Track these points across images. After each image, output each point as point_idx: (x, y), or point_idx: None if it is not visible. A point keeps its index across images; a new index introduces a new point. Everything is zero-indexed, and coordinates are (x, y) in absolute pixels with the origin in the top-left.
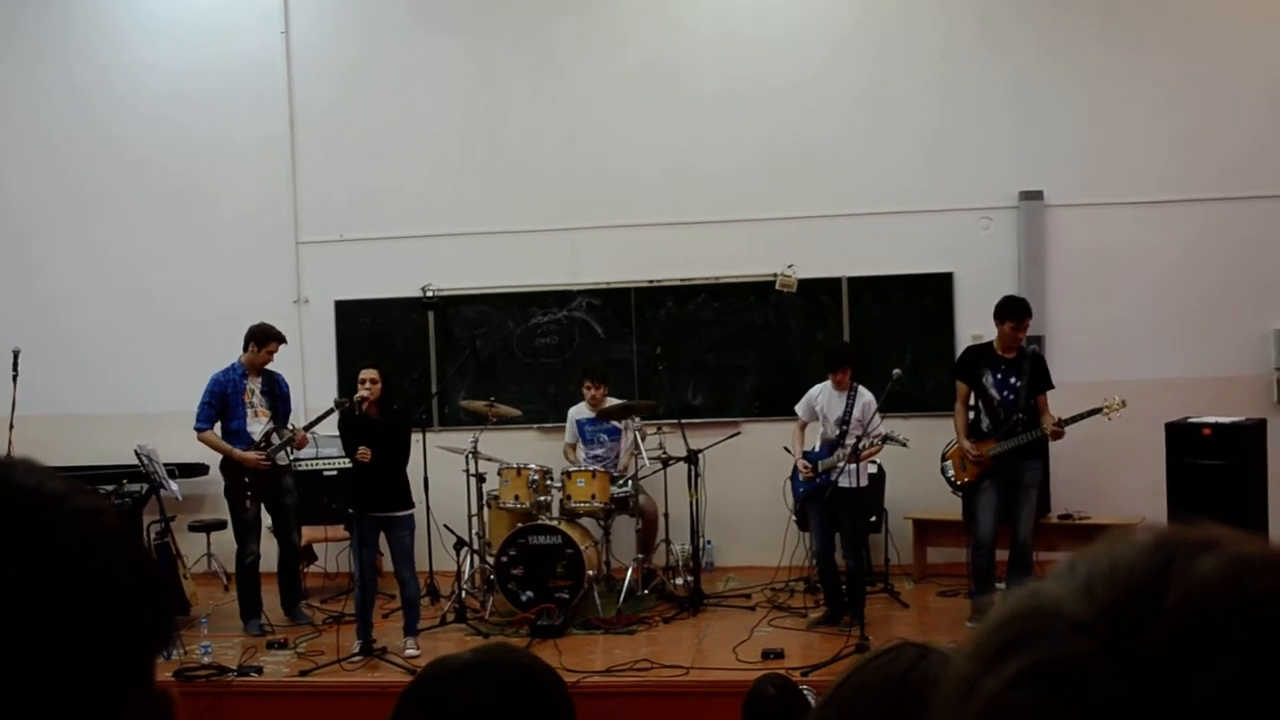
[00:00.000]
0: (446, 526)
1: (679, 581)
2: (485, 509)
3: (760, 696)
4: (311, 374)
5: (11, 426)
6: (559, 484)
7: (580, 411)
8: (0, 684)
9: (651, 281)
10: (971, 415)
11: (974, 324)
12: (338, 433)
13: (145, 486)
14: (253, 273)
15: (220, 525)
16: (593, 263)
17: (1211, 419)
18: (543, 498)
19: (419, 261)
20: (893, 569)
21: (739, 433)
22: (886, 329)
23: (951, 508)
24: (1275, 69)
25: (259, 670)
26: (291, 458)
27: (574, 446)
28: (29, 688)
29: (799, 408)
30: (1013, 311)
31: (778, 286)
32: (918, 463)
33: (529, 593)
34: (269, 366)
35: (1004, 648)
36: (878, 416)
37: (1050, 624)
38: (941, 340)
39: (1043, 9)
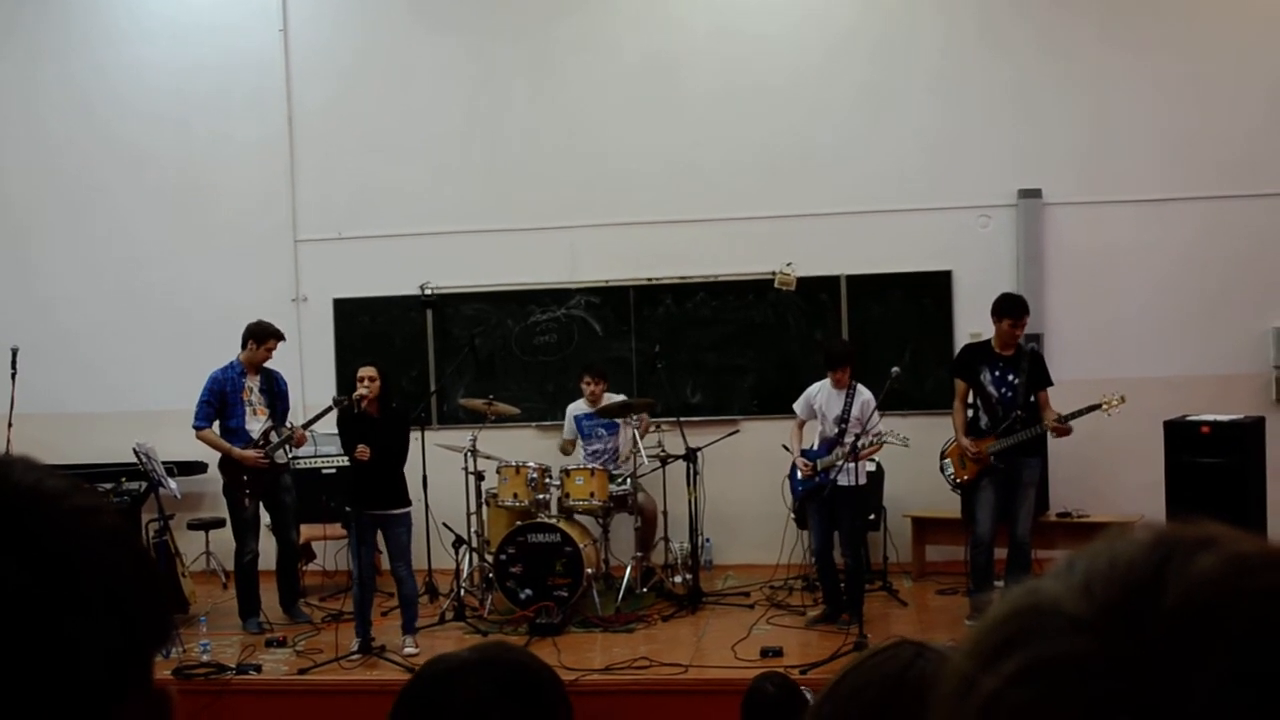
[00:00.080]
0: (445, 525)
1: (678, 579)
2: (484, 507)
3: (759, 694)
4: (310, 372)
5: (10, 425)
6: (558, 482)
7: (579, 407)
8: None
9: (650, 280)
10: (970, 413)
11: (973, 322)
12: (336, 431)
13: (144, 484)
14: (252, 271)
15: (219, 523)
16: (591, 261)
17: (1210, 417)
18: (541, 496)
19: (418, 260)
20: (891, 567)
21: (738, 431)
22: (885, 327)
23: (950, 506)
24: (1274, 69)
25: (258, 668)
26: (290, 456)
27: (571, 443)
28: (27, 686)
29: (797, 406)
30: (1010, 309)
31: (776, 285)
32: (916, 461)
33: (528, 591)
34: (267, 364)
35: (1003, 646)
36: (877, 415)
37: (1049, 622)
38: (940, 338)
39: (1043, 9)
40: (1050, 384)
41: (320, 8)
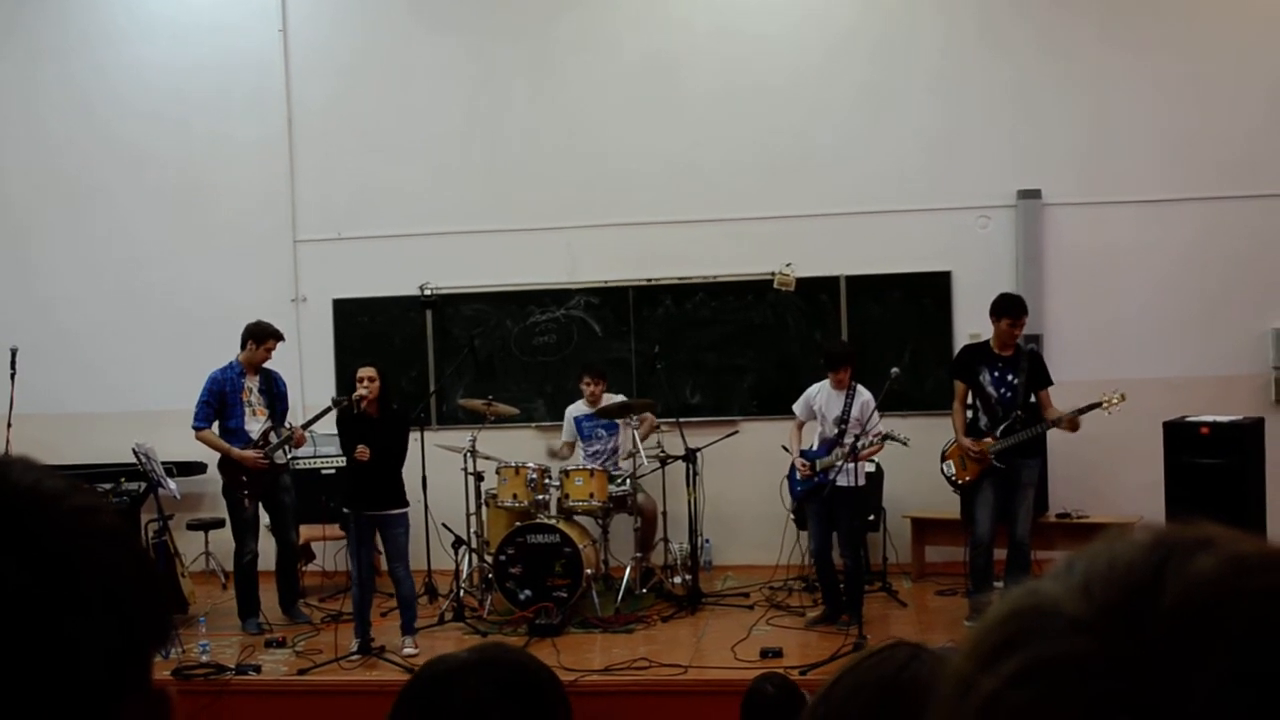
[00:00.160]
0: (445, 525)
1: (677, 580)
2: (483, 508)
3: (759, 695)
4: (309, 372)
5: (10, 425)
6: (557, 483)
7: (578, 409)
8: None
9: (650, 280)
10: (970, 414)
11: (972, 323)
12: (336, 431)
13: (143, 485)
14: (251, 271)
15: (218, 524)
16: (591, 261)
17: (1210, 418)
18: (541, 496)
19: (417, 260)
20: (891, 568)
21: (737, 431)
22: (885, 328)
23: (949, 507)
24: (1274, 69)
25: (257, 669)
26: (289, 456)
27: (571, 445)
28: (26, 686)
29: (797, 407)
30: (1009, 309)
31: (776, 285)
32: (916, 461)
33: (527, 591)
34: (267, 365)
35: (1002, 646)
36: (876, 415)
37: (1048, 622)
38: (940, 339)
39: (1043, 9)
40: (1050, 383)
41: (320, 7)
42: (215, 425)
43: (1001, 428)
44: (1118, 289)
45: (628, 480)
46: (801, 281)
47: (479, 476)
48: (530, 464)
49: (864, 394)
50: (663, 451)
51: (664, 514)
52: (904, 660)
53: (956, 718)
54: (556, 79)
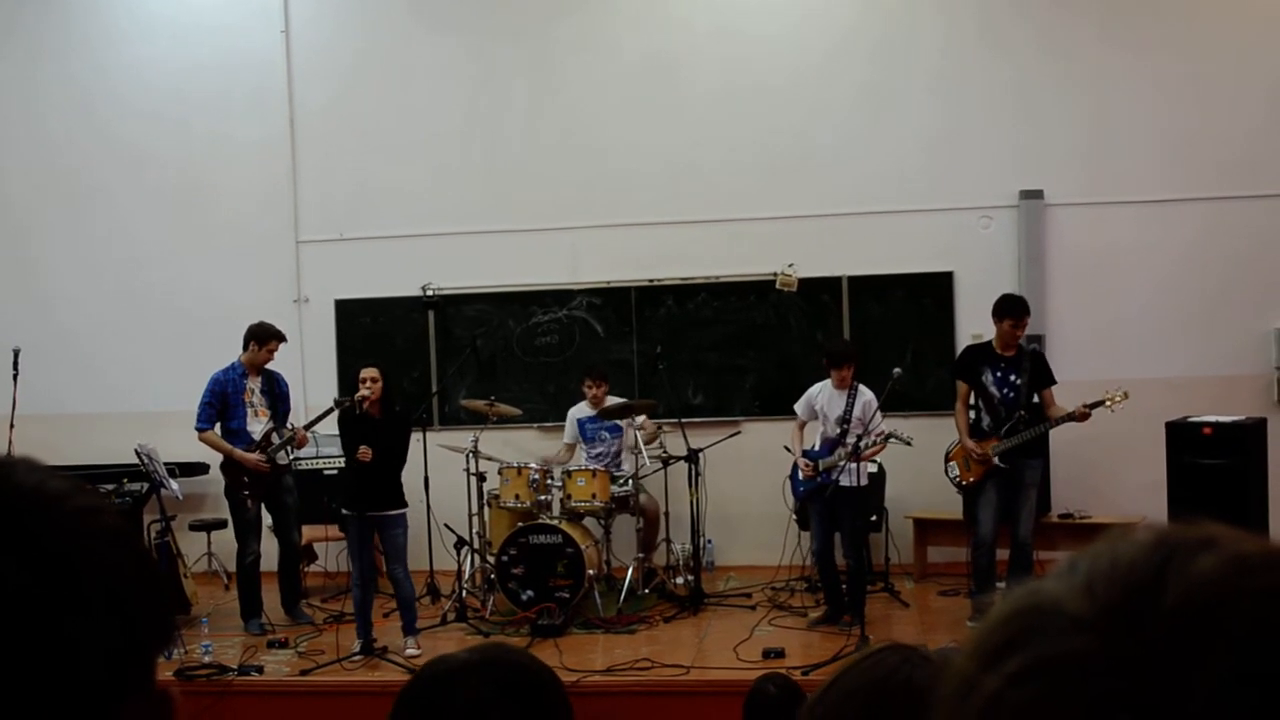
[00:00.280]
0: (447, 526)
1: (679, 581)
2: (486, 508)
3: (761, 696)
4: (312, 373)
5: (12, 426)
6: (559, 483)
7: (580, 410)
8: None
9: (651, 281)
10: (972, 414)
11: (974, 323)
12: (338, 432)
13: (146, 485)
14: (253, 271)
15: (221, 524)
16: (593, 262)
17: (1212, 418)
18: (543, 497)
19: (419, 260)
20: (893, 568)
21: (739, 432)
22: (887, 328)
23: (952, 507)
24: (1274, 69)
25: (259, 669)
26: (292, 457)
27: (572, 447)
28: (28, 686)
29: (798, 407)
30: (1011, 309)
31: (778, 285)
32: (918, 462)
33: (529, 592)
34: (269, 366)
35: (1004, 646)
36: (879, 415)
37: (1051, 622)
38: (942, 339)
39: (1043, 9)
40: (1054, 382)
41: (321, 8)
42: (217, 426)
43: (1004, 428)
44: (1119, 289)
45: (630, 481)
46: (803, 282)
47: (481, 477)
48: (532, 464)
49: (866, 394)
50: (665, 452)
51: (666, 514)
52: (897, 663)
53: (959, 717)
54: (557, 79)
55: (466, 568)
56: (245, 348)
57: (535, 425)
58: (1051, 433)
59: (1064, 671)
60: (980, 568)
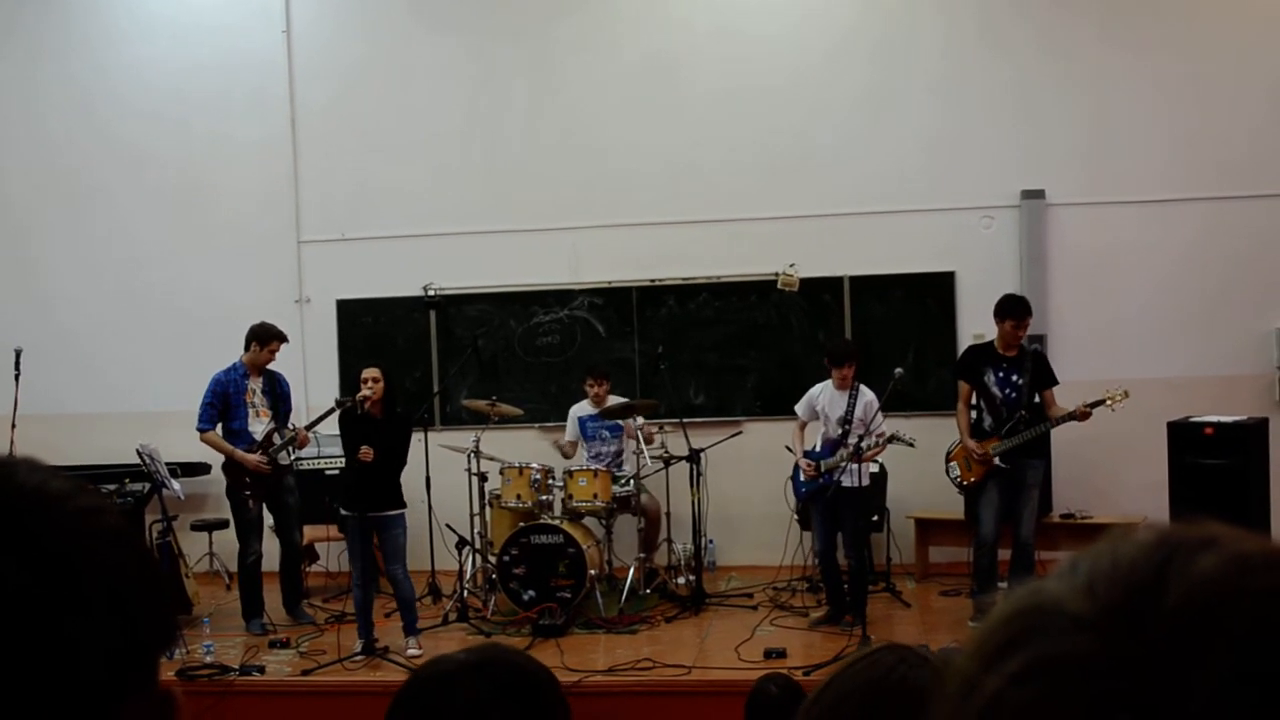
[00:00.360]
0: (448, 526)
1: (681, 581)
2: (487, 508)
3: (762, 696)
4: (313, 373)
5: (14, 426)
6: (561, 483)
7: (583, 409)
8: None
9: (653, 280)
10: (974, 415)
11: (976, 323)
12: (339, 431)
13: (147, 486)
14: (254, 271)
15: (222, 524)
16: (594, 262)
17: (1213, 418)
18: (545, 497)
19: (421, 261)
20: (895, 568)
21: (741, 432)
22: (888, 328)
23: (953, 507)
24: (1275, 69)
25: (261, 670)
26: (293, 457)
27: (573, 444)
28: (29, 686)
29: (799, 407)
30: (1013, 310)
31: (779, 285)
32: (920, 462)
33: (531, 592)
34: (270, 366)
35: (1005, 645)
36: (880, 415)
37: (1052, 621)
38: (943, 339)
39: (1043, 9)
40: (1055, 383)
41: (322, 9)
42: (219, 427)
43: (1005, 428)
44: (1121, 289)
45: (631, 481)
46: (805, 282)
47: (483, 477)
48: (534, 464)
49: (867, 394)
50: (666, 452)
51: (667, 514)
52: (892, 664)
53: (960, 717)
54: (558, 79)
55: (468, 568)
56: (247, 348)
57: (537, 425)
58: (1053, 433)
59: (1065, 671)
60: (982, 568)
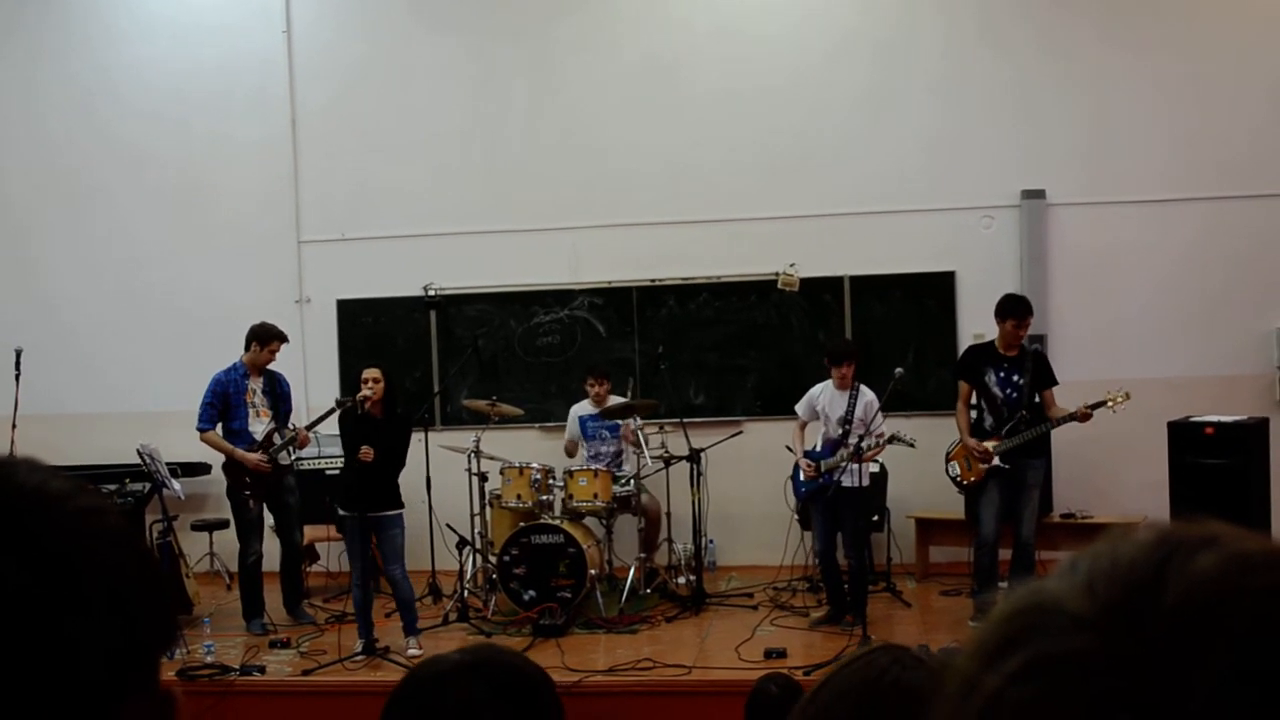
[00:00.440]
0: (449, 526)
1: (681, 581)
2: (487, 508)
3: (763, 696)
4: (313, 373)
5: (14, 426)
6: (561, 483)
7: (583, 408)
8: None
9: (653, 281)
10: (974, 414)
11: (976, 323)
12: (338, 431)
13: (148, 486)
14: (254, 271)
15: (223, 524)
16: (594, 262)
17: (1214, 418)
18: (545, 497)
19: (421, 261)
20: (895, 568)
21: (741, 432)
22: (888, 328)
23: (954, 507)
24: (1275, 69)
25: (261, 670)
26: (294, 457)
27: (574, 444)
28: (29, 686)
29: (799, 407)
30: (1014, 309)
31: (780, 285)
32: (920, 462)
33: (531, 592)
34: (271, 366)
35: (1005, 644)
36: (880, 415)
37: (1051, 620)
38: (944, 339)
39: (1043, 9)
40: (1055, 383)
41: (322, 9)
42: (219, 427)
43: (1006, 428)
44: (1121, 289)
45: (631, 481)
46: (805, 282)
47: (483, 477)
48: (534, 464)
49: (867, 394)
50: (667, 452)
51: (668, 514)
52: (887, 664)
53: (960, 716)
54: (558, 79)
55: (468, 568)
56: (247, 348)
57: (537, 425)
58: (1053, 433)
59: (1064, 670)
60: (982, 567)
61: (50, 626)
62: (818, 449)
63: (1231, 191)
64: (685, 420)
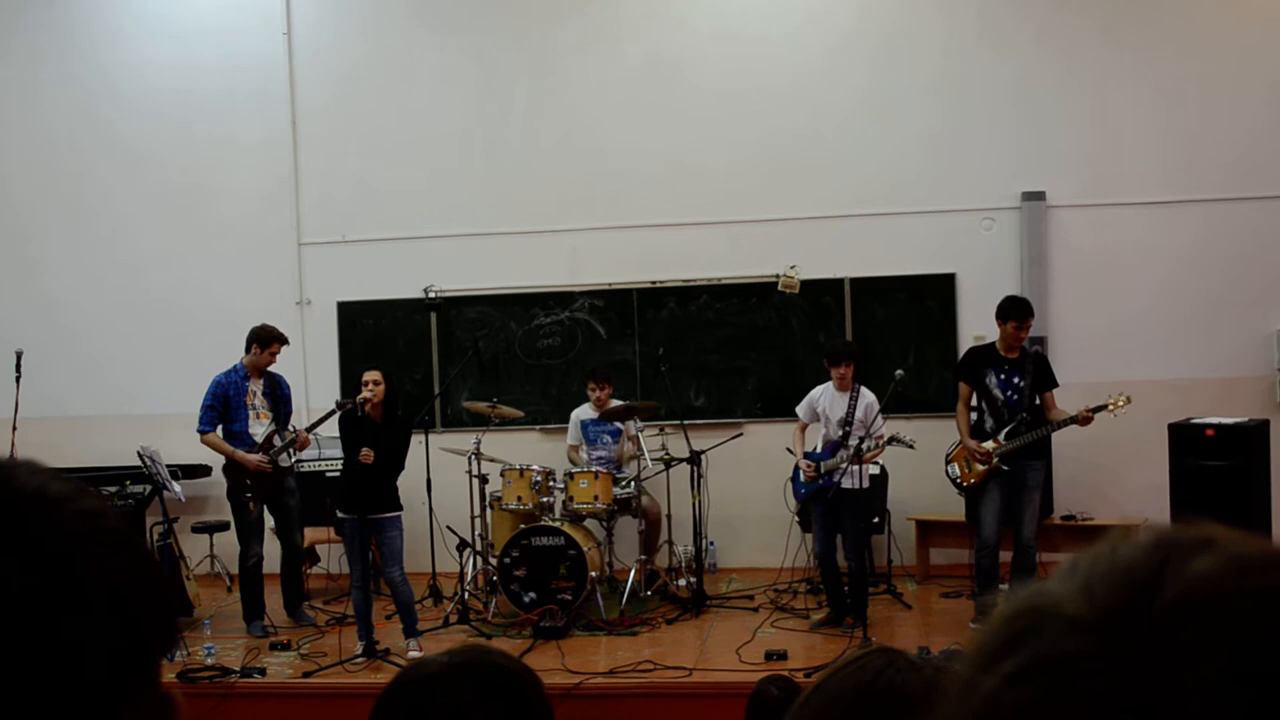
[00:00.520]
0: (449, 528)
1: (682, 583)
2: (488, 510)
3: (763, 698)
4: (314, 375)
5: (15, 428)
6: (561, 485)
7: (584, 412)
8: (0, 683)
9: (654, 282)
10: (974, 416)
11: (976, 325)
12: (339, 433)
13: (148, 488)
14: (254, 273)
15: (223, 526)
16: (594, 264)
17: (1214, 420)
18: (545, 499)
19: (421, 262)
20: (896, 570)
21: (741, 434)
22: (889, 330)
23: (954, 509)
24: (1275, 69)
25: (262, 672)
26: (294, 459)
27: (577, 448)
28: (30, 688)
29: (800, 409)
30: (1015, 311)
31: (780, 287)
32: (920, 464)
33: (532, 594)
34: (271, 368)
35: (1002, 647)
36: (880, 417)
37: (1048, 623)
38: (944, 341)
39: (1043, 9)
40: (1056, 385)
41: (323, 11)
42: (219, 429)
43: (1007, 430)
44: (1122, 290)
45: (632, 483)
46: (805, 284)
47: (483, 479)
48: (535, 466)
49: (868, 396)
50: (667, 454)
51: (668, 516)
52: (879, 668)
53: (958, 717)
54: (559, 81)
55: (469, 570)
56: (247, 350)
57: (538, 427)
58: (1054, 435)
59: (1059, 672)
60: (983, 569)
61: (51, 629)
62: (818, 450)
63: (1232, 193)
64: (686, 422)
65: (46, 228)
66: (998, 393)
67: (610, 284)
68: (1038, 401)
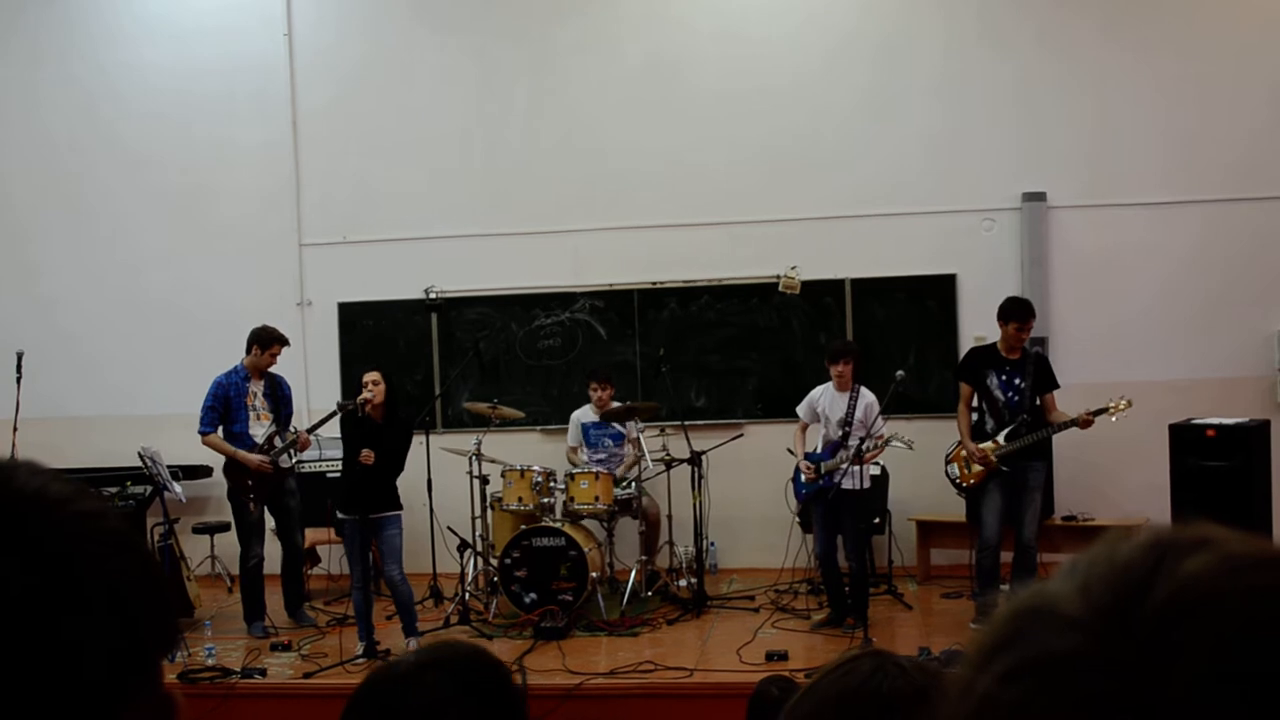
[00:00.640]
0: (450, 528)
1: (682, 583)
2: (489, 511)
3: (764, 698)
4: (314, 376)
5: (15, 429)
6: (562, 486)
7: (585, 414)
8: (1, 683)
9: (654, 283)
10: (975, 417)
11: (977, 325)
12: (339, 434)
13: (149, 488)
14: (255, 274)
15: (224, 527)
16: (595, 264)
17: (1215, 420)
18: (546, 500)
19: (422, 263)
20: (896, 570)
21: (742, 434)
22: (889, 330)
23: (955, 509)
24: (1275, 69)
25: (263, 672)
26: (295, 460)
27: (576, 450)
28: (30, 688)
29: (800, 409)
30: (1016, 312)
31: (781, 288)
32: (921, 464)
33: (532, 595)
34: (272, 369)
35: (998, 646)
36: (880, 418)
37: (1044, 622)
38: (944, 342)
39: (1044, 9)
40: (1057, 386)
41: (323, 11)
42: (220, 430)
43: (1007, 431)
44: (1122, 291)
45: (632, 484)
46: (806, 284)
47: (484, 480)
48: (535, 467)
49: (868, 396)
50: (667, 454)
51: (669, 517)
52: (869, 671)
53: (955, 717)
54: (559, 81)
55: (469, 570)
56: (248, 351)
57: (538, 428)
58: (1054, 436)
59: (1053, 670)
60: (984, 569)
61: (51, 629)
62: (818, 451)
63: (1232, 194)
64: (686, 423)
65: (46, 228)
66: (999, 394)
67: (611, 284)
68: (1038, 403)
